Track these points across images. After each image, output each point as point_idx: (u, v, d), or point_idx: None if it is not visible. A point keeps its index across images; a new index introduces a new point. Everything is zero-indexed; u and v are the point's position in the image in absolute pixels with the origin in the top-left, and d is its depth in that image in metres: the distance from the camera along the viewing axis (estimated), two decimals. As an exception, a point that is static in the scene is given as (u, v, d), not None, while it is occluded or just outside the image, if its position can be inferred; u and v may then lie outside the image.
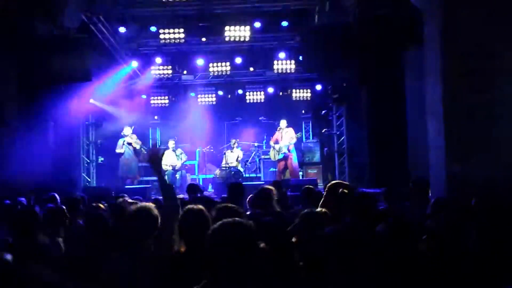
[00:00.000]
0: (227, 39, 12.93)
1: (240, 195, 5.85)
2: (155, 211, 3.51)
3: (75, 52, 11.63)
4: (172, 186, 3.79)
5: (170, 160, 14.14)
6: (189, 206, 3.70)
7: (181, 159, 14.25)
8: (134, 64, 14.79)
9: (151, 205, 3.62)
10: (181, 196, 8.52)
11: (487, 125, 6.13)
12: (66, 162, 12.84)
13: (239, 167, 14.54)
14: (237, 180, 13.09)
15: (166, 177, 13.94)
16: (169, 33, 12.62)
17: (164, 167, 14.06)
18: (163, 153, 4.06)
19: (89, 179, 14.80)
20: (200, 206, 3.62)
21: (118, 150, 13.72)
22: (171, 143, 14.47)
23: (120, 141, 13.73)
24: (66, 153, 12.84)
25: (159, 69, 15.07)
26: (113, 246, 3.77)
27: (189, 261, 3.18)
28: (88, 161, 15.03)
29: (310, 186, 6.49)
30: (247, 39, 12.97)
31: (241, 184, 6.13)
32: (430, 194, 6.15)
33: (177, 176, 14.07)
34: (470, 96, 6.18)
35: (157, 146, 3.97)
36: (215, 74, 15.22)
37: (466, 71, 6.18)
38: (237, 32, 12.62)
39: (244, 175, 14.48)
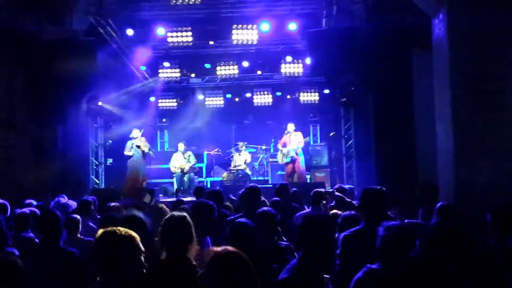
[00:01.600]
0: (234, 42, 12.95)
1: (256, 200, 5.66)
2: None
3: (83, 54, 11.69)
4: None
5: (178, 162, 14.16)
6: (173, 212, 3.68)
7: (190, 161, 14.26)
8: (142, 67, 14.85)
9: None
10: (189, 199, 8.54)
11: (496, 130, 6.08)
12: (75, 164, 12.91)
13: (247, 170, 14.54)
14: (244, 183, 13.09)
15: (174, 179, 14.01)
16: (177, 36, 12.65)
17: (172, 169, 14.12)
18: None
19: (97, 181, 14.86)
20: (184, 213, 3.57)
21: (126, 152, 13.75)
22: (180, 146, 14.50)
23: (129, 143, 13.77)
24: (75, 155, 12.90)
25: (167, 72, 15.10)
26: None
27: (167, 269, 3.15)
28: (97, 163, 15.10)
29: (321, 190, 6.49)
30: (254, 42, 12.98)
31: (258, 188, 5.85)
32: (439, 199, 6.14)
33: (185, 179, 14.09)
34: (478, 100, 6.13)
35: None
36: (223, 77, 15.23)
37: (475, 75, 6.14)
38: (244, 36, 12.63)
39: (252, 178, 14.48)
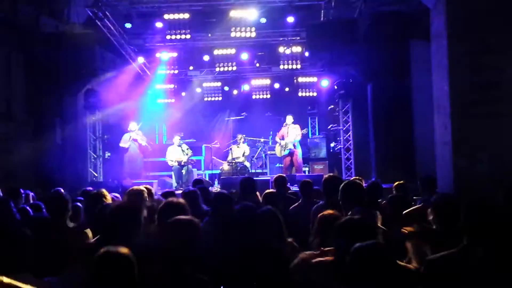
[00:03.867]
0: (232, 34, 12.92)
1: (252, 189, 5.89)
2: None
3: (81, 47, 11.68)
4: None
5: (175, 155, 14.16)
6: (170, 198, 3.73)
7: (187, 154, 14.24)
8: (140, 59, 14.81)
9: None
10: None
11: (494, 120, 6.11)
12: (73, 157, 12.91)
13: (245, 163, 14.56)
14: (243, 175, 13.11)
15: (173, 173, 14.00)
16: (175, 28, 12.60)
17: (170, 162, 14.10)
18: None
19: (96, 174, 14.86)
20: (181, 200, 3.64)
21: (122, 144, 13.73)
22: (176, 139, 14.49)
23: (126, 136, 13.75)
24: (73, 148, 12.91)
25: (165, 65, 15.06)
26: None
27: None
28: (95, 156, 15.09)
29: (308, 180, 6.49)
30: (253, 34, 12.94)
31: (252, 178, 6.17)
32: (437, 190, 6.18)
33: (183, 171, 14.09)
34: (477, 91, 6.16)
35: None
36: (221, 69, 15.21)
37: (473, 67, 6.16)
38: (243, 28, 12.60)
39: (250, 171, 14.50)
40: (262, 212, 3.99)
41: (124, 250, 2.61)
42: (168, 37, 12.99)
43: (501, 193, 4.03)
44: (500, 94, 6.13)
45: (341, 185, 4.57)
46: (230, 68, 15.04)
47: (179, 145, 14.31)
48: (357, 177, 7.36)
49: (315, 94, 16.62)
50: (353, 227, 3.10)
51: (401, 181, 6.70)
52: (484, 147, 6.10)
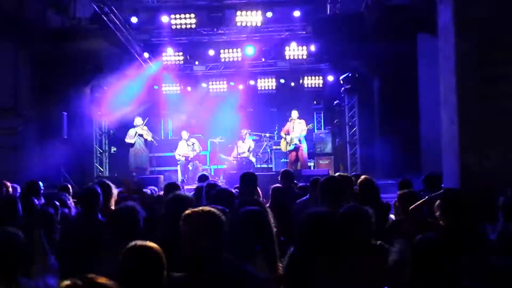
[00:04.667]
0: (238, 29, 12.90)
1: (253, 185, 5.82)
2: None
3: (87, 43, 11.68)
4: None
5: (183, 150, 14.18)
6: (177, 192, 3.70)
7: (195, 149, 14.24)
8: (146, 54, 14.80)
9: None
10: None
11: (502, 115, 6.06)
12: (79, 152, 12.95)
13: (251, 158, 14.55)
14: (248, 170, 13.09)
15: (178, 167, 14.04)
16: (180, 23, 12.60)
17: (177, 157, 14.14)
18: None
19: (102, 169, 14.90)
20: (189, 195, 3.61)
21: (128, 140, 13.74)
22: (184, 134, 14.50)
23: (132, 131, 13.76)
24: (79, 143, 12.94)
25: (170, 59, 15.06)
26: None
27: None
28: (101, 151, 15.13)
29: (319, 178, 6.47)
30: (259, 29, 12.92)
31: (254, 174, 6.10)
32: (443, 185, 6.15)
33: (190, 166, 14.12)
34: (484, 85, 6.11)
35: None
36: (226, 63, 15.19)
37: (481, 60, 6.10)
38: (248, 23, 12.56)
39: (255, 166, 14.49)
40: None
41: (152, 244, 2.57)
42: (174, 32, 12.99)
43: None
44: (508, 88, 6.07)
45: (320, 182, 4.59)
46: (235, 63, 15.01)
47: (187, 140, 14.33)
48: (356, 173, 7.38)
49: (320, 88, 16.59)
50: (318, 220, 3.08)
51: (406, 179, 6.63)
52: (491, 142, 6.05)
